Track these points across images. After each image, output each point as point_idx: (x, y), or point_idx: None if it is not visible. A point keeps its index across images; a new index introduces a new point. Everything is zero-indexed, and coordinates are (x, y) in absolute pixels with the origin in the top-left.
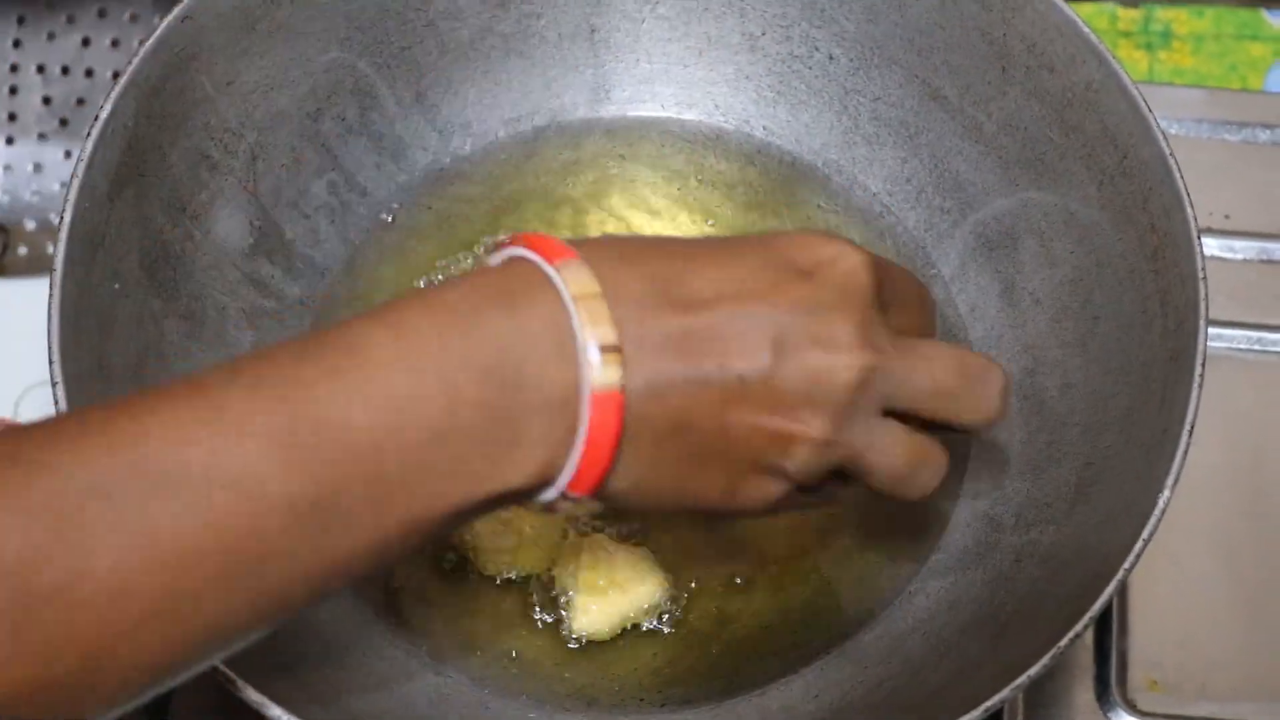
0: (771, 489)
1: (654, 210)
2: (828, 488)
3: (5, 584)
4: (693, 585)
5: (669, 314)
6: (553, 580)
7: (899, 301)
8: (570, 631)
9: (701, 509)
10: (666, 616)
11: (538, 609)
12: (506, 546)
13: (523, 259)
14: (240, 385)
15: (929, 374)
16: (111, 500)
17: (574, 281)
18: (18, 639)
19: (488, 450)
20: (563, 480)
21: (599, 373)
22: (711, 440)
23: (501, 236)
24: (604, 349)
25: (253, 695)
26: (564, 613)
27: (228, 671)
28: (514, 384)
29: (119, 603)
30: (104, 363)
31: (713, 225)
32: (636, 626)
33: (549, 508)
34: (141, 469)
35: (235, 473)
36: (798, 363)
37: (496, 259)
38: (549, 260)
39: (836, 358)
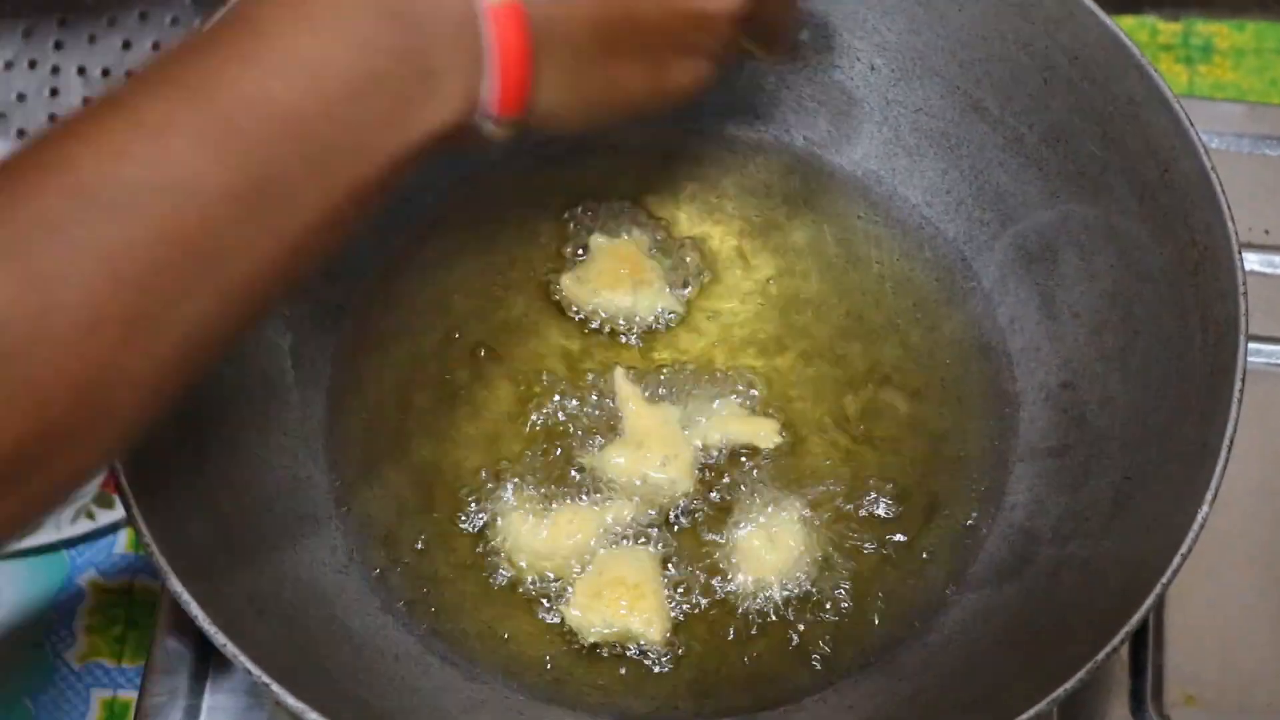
0: (698, 69)
1: (691, 220)
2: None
3: None
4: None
5: None
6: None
7: None
8: (561, 617)
9: (635, 105)
10: (652, 656)
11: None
12: (537, 561)
13: None
14: (155, 89)
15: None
16: (60, 231)
17: None
18: (6, 391)
19: (408, 90)
20: (488, 104)
21: None
22: (629, 33)
23: None
24: None
25: (290, 700)
26: (565, 600)
27: (265, 677)
28: (416, 19)
29: (95, 332)
30: None
31: (751, 236)
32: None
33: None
34: (80, 193)
35: (173, 176)
36: None
37: None
38: None
39: None
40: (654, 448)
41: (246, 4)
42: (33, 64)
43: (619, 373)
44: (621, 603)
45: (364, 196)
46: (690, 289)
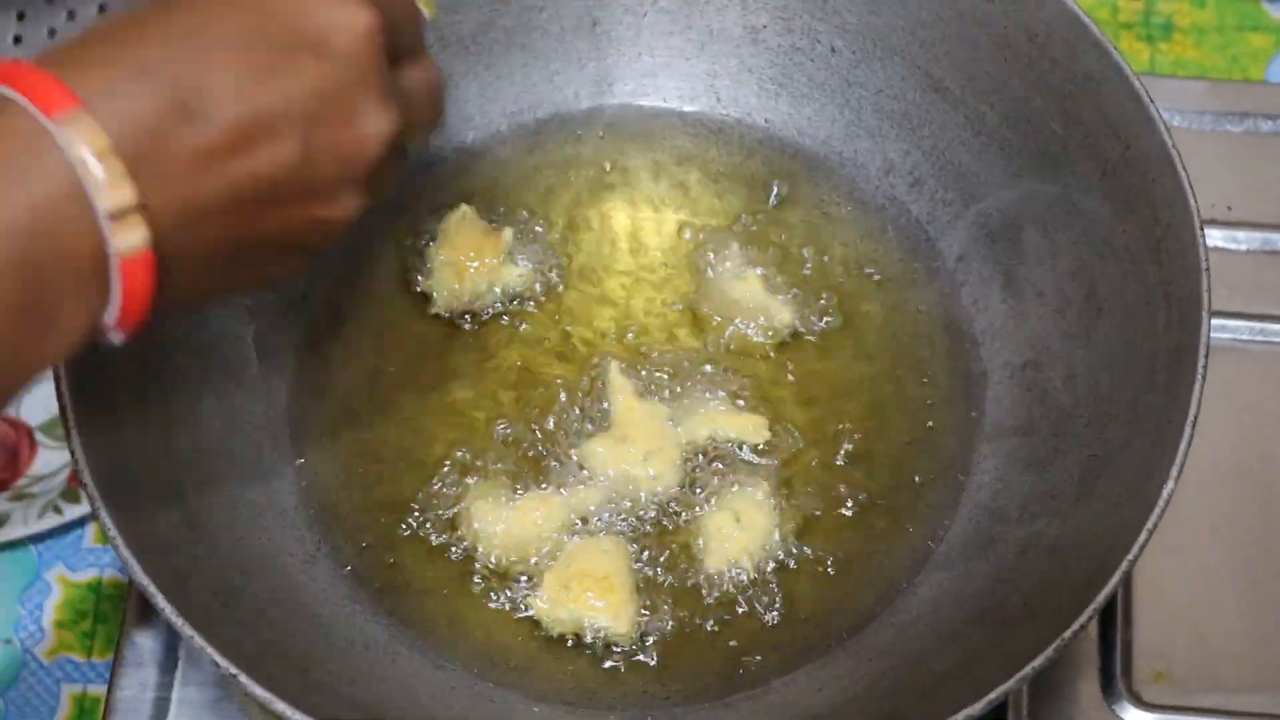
0: (303, 261)
1: (656, 202)
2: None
3: None
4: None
5: (188, 134)
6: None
7: (397, 30)
8: (525, 606)
9: (249, 293)
10: (615, 648)
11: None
12: (504, 548)
13: (17, 106)
14: None
15: (423, 119)
16: None
17: (80, 140)
18: None
19: (24, 340)
20: (108, 334)
21: (124, 236)
22: (254, 244)
23: None
24: (126, 211)
25: (259, 691)
26: (530, 592)
27: (232, 668)
28: (37, 265)
29: None
30: (105, 359)
31: (715, 218)
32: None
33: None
34: None
35: None
36: (328, 149)
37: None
38: (48, 114)
39: (363, 132)
40: (638, 442)
41: None
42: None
43: (613, 365)
44: (588, 595)
45: None
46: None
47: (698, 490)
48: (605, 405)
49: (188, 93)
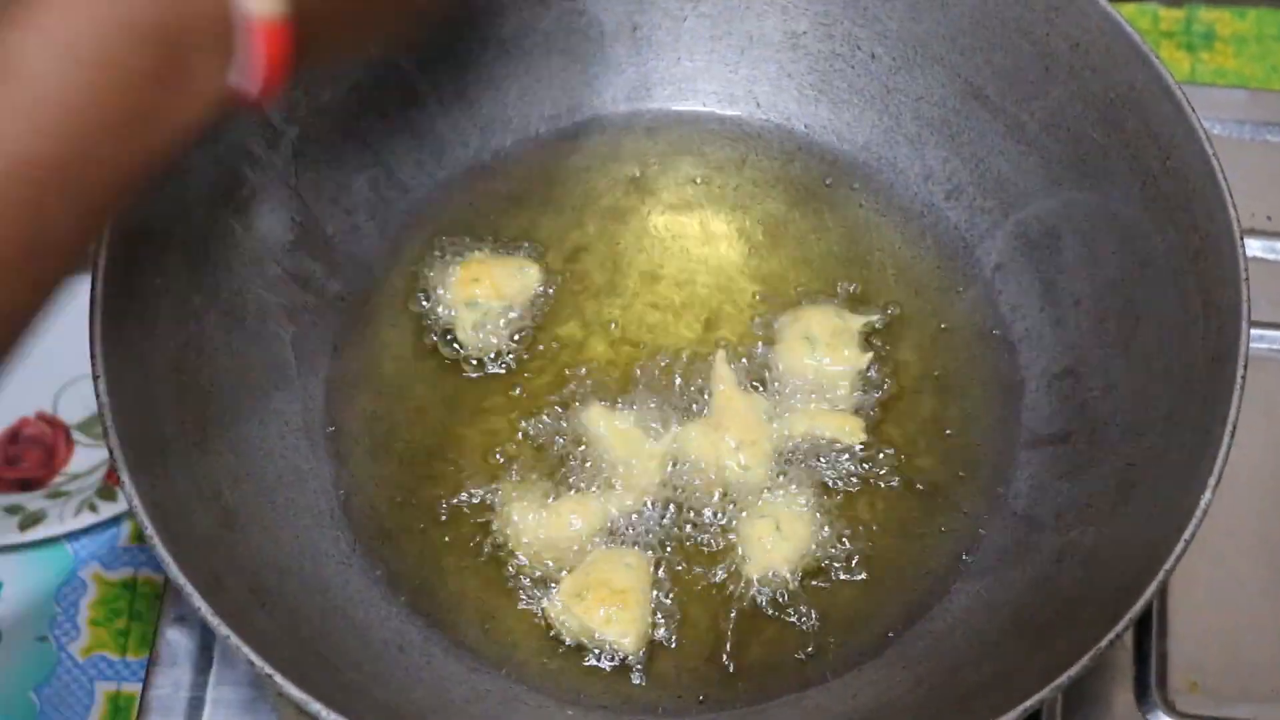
0: (411, 17)
1: (694, 206)
2: None
3: None
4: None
5: None
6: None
7: None
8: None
9: (392, 30)
10: (622, 663)
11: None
12: (540, 551)
13: None
14: None
15: None
16: None
17: None
18: None
19: (162, 108)
20: (249, 93)
21: (260, 4)
22: None
23: None
24: None
25: (294, 692)
26: (550, 593)
27: (268, 668)
28: (174, 39)
29: None
30: (144, 357)
31: (754, 223)
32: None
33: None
34: None
35: None
36: None
37: None
38: None
39: None
40: (734, 431)
41: (6, 35)
42: None
43: (720, 355)
44: (600, 609)
45: (137, 183)
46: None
47: (740, 496)
48: (698, 393)
49: None
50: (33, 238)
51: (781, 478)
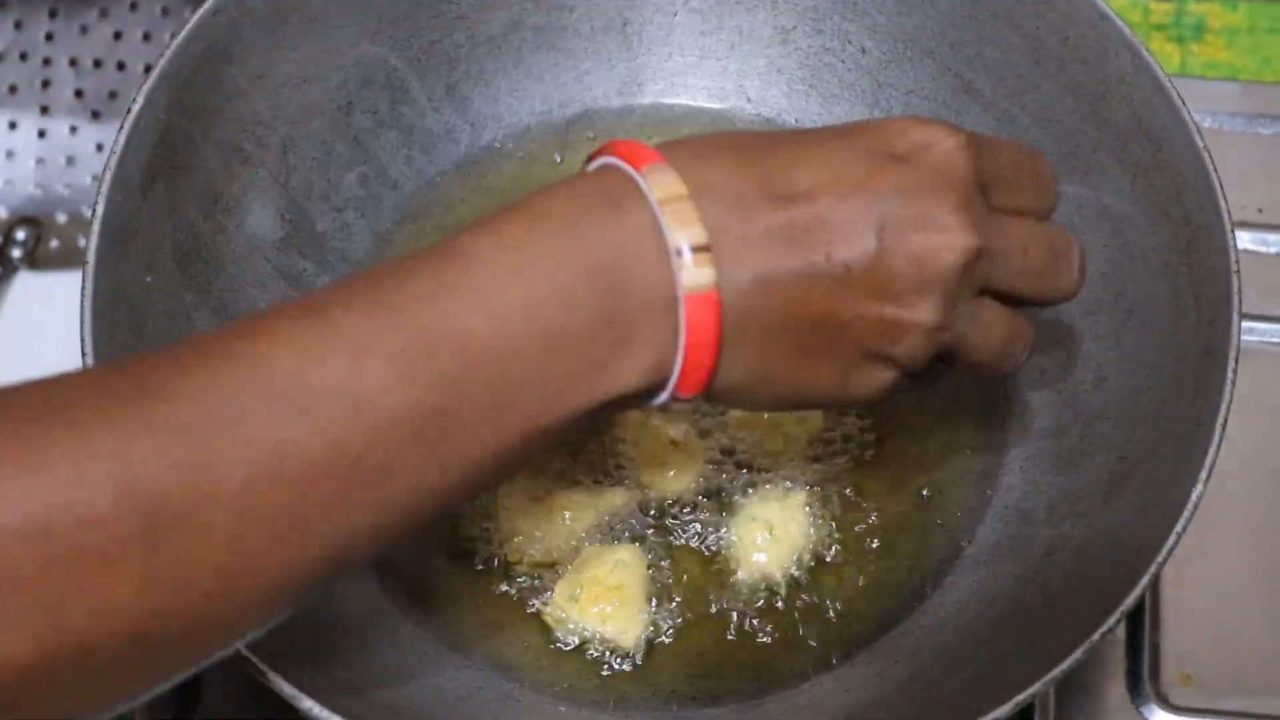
0: (882, 377)
1: None
2: (934, 371)
3: (139, 509)
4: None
5: (769, 208)
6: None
7: (1004, 178)
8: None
9: (814, 401)
10: (622, 661)
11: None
12: (532, 547)
13: (613, 166)
14: (357, 306)
15: (1023, 254)
16: (242, 422)
17: (660, 186)
18: (151, 563)
19: (601, 353)
20: (672, 380)
21: (692, 274)
22: (820, 331)
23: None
24: (694, 249)
25: (285, 688)
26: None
27: (259, 663)
28: (620, 287)
29: (246, 522)
30: (135, 351)
31: None
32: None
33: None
34: (269, 390)
35: (358, 390)
36: (902, 248)
37: (591, 167)
38: (636, 167)
39: (941, 239)
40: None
41: (465, 239)
42: (24, 56)
43: None
44: (595, 606)
45: (534, 442)
46: None
47: (732, 495)
48: None
49: (773, 174)
50: (447, 407)
51: (770, 475)
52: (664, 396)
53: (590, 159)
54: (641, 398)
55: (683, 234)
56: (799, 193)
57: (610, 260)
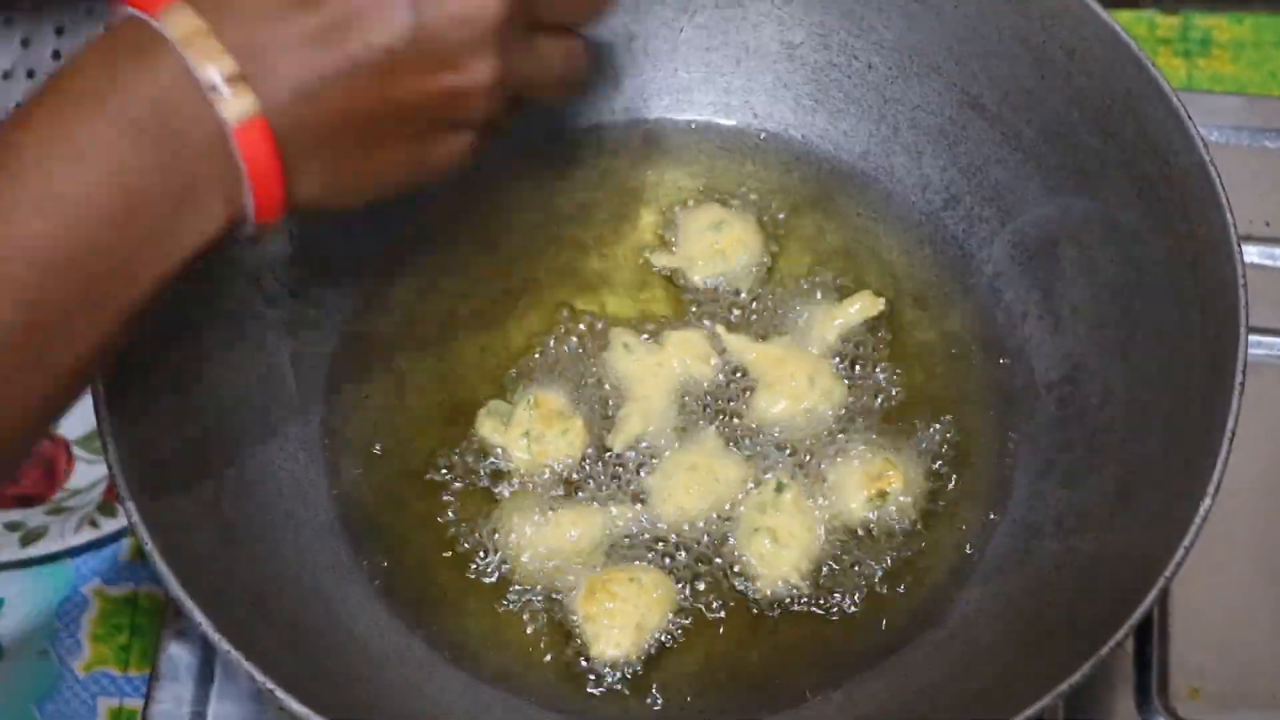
0: (459, 142)
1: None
2: (507, 115)
3: None
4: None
5: (296, 15)
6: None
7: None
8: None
9: (399, 184)
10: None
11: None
12: (540, 563)
13: (132, 16)
14: None
15: (549, 79)
16: None
17: (177, 25)
18: None
19: (172, 210)
20: (249, 213)
21: (231, 106)
22: (383, 120)
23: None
24: (228, 80)
25: (296, 706)
26: (553, 605)
27: (269, 683)
28: (170, 138)
29: None
30: (143, 373)
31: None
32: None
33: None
34: None
35: None
36: (441, 14)
37: (114, 21)
38: (152, 12)
39: None
40: (796, 375)
41: (6, 133)
42: (31, 74)
43: (720, 328)
44: (600, 621)
45: (135, 315)
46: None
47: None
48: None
49: None
50: (37, 321)
51: (776, 482)
52: (248, 228)
53: (111, 6)
54: (226, 237)
55: (212, 67)
56: None
57: (151, 114)
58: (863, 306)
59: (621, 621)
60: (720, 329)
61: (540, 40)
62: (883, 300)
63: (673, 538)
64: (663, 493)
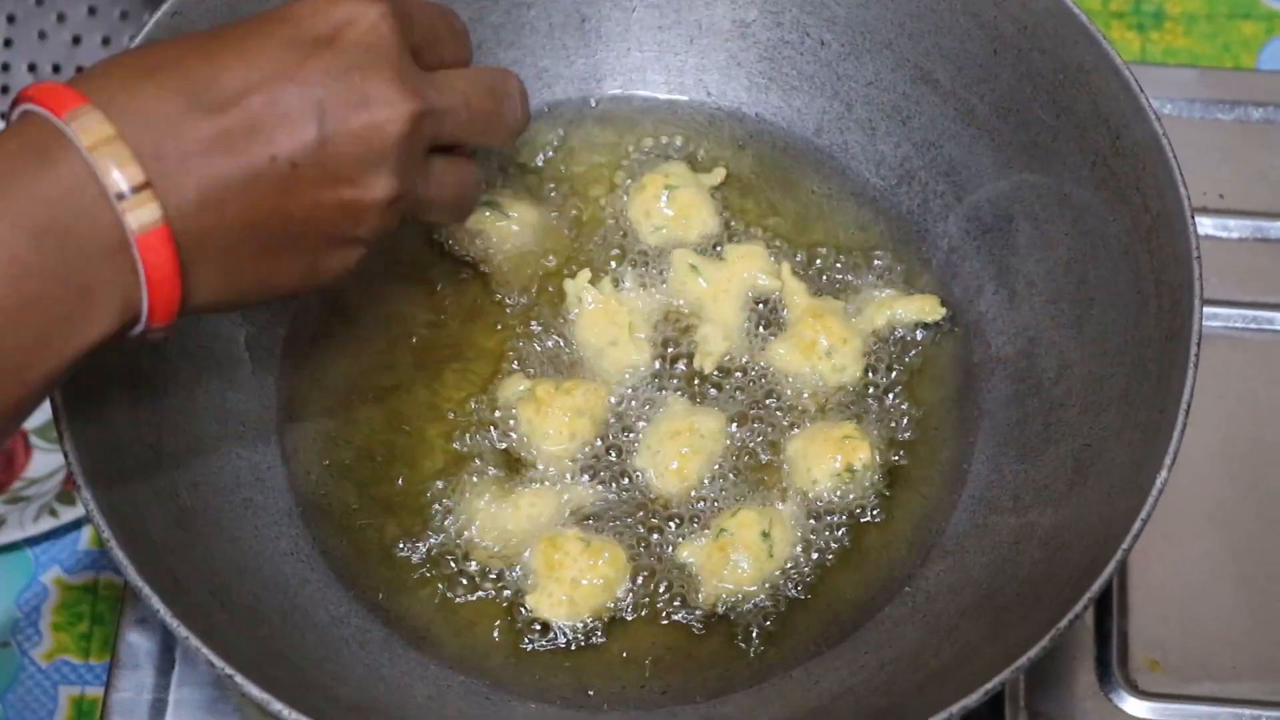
0: (350, 255)
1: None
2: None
3: None
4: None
5: (202, 121)
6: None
7: (429, 38)
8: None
9: (289, 294)
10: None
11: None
12: (498, 545)
13: (35, 114)
14: None
15: (466, 106)
16: None
17: (87, 131)
18: None
19: (67, 311)
20: (143, 316)
21: (136, 215)
22: (281, 231)
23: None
24: (134, 189)
25: (256, 692)
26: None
27: (228, 669)
28: (69, 241)
29: None
30: (98, 360)
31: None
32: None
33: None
34: None
35: None
36: (344, 130)
37: (13, 115)
38: (58, 114)
39: (382, 113)
40: (822, 334)
41: None
42: None
43: (785, 268)
44: (562, 594)
45: (25, 409)
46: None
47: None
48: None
49: (200, 86)
50: None
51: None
52: (139, 329)
53: (12, 106)
54: (118, 336)
55: (120, 175)
56: (229, 98)
57: (52, 217)
58: (923, 308)
59: (562, 577)
60: (785, 267)
61: (436, 163)
62: (944, 310)
63: (639, 514)
64: (658, 468)
